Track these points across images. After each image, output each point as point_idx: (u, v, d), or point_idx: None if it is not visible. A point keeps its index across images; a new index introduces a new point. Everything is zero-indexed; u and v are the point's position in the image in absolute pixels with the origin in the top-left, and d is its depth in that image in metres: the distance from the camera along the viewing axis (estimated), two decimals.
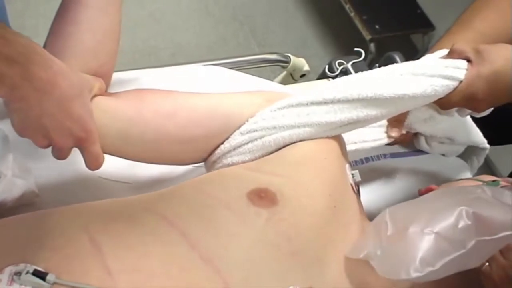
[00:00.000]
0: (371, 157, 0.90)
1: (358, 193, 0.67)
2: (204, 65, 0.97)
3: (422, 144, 0.91)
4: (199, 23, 2.35)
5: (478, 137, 0.94)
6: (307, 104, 0.63)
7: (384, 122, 0.84)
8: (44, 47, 0.60)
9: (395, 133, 0.83)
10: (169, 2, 2.35)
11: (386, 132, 0.84)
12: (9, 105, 0.50)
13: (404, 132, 0.85)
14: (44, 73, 0.47)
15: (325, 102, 0.63)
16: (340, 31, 2.46)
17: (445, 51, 0.74)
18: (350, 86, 0.64)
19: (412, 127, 0.85)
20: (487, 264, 0.56)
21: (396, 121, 0.83)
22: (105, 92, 0.63)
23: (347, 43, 2.41)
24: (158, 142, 0.61)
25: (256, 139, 0.63)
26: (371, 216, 0.66)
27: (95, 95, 0.59)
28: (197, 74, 0.94)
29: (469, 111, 0.73)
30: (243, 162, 0.64)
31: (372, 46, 2.07)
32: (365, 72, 0.68)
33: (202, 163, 0.68)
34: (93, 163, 0.57)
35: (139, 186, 0.75)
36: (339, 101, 0.63)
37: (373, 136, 0.83)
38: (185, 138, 0.62)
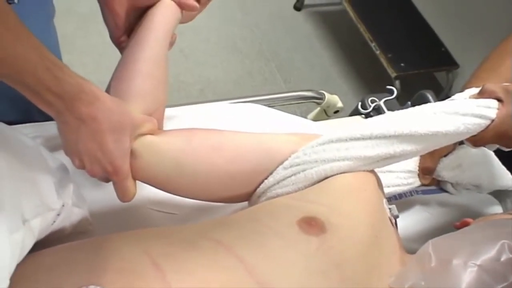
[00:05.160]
0: (404, 193, 0.93)
1: (396, 227, 0.70)
2: (243, 101, 1.01)
3: (449, 188, 0.94)
4: (227, 59, 2.43)
5: (507, 180, 0.95)
6: (346, 140, 0.67)
7: (416, 168, 0.88)
8: (107, 89, 0.67)
9: (426, 181, 0.89)
10: (198, 39, 2.43)
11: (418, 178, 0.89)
12: (57, 124, 0.57)
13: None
14: (84, 108, 0.54)
15: (363, 138, 0.66)
16: (365, 68, 2.50)
17: (475, 90, 0.77)
18: (387, 123, 0.67)
19: (440, 174, 0.89)
20: None
21: (428, 170, 0.88)
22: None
23: (372, 80, 2.45)
24: (208, 175, 0.64)
25: (299, 172, 0.66)
26: (405, 249, 0.69)
27: (144, 134, 0.64)
28: (235, 111, 0.98)
29: (497, 145, 0.76)
30: (288, 193, 0.66)
31: (397, 83, 2.10)
32: (400, 111, 0.71)
33: None
34: (120, 197, 0.63)
35: (186, 217, 0.77)
36: (376, 137, 0.66)
37: (405, 181, 0.87)
38: (232, 172, 0.65)
